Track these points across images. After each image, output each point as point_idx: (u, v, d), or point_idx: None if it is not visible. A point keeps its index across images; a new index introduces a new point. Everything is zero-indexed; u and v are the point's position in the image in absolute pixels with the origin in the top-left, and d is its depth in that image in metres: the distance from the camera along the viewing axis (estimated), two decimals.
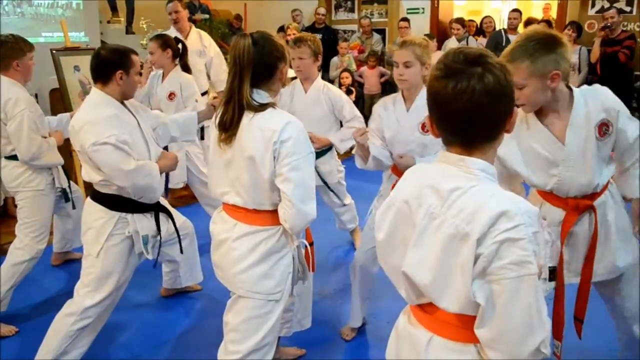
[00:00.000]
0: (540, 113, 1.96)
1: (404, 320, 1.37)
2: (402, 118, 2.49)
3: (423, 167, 1.32)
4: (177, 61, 3.87)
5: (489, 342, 1.16)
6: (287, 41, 4.37)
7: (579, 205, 1.98)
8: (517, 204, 1.13)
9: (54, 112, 5.09)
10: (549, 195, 2.03)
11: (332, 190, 3.50)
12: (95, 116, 2.31)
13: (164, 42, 3.78)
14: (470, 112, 1.16)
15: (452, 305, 1.19)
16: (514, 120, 1.21)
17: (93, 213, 2.42)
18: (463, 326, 1.21)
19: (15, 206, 3.07)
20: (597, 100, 1.93)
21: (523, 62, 1.81)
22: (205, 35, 4.91)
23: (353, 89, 6.92)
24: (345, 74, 7.05)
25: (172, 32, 4.50)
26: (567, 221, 2.01)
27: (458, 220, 1.15)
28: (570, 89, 1.94)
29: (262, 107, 1.83)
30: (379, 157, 2.50)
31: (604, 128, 1.92)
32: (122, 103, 2.45)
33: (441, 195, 1.19)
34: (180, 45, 3.87)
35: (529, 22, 8.22)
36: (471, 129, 1.19)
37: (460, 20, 7.27)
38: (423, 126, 2.41)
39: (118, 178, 2.30)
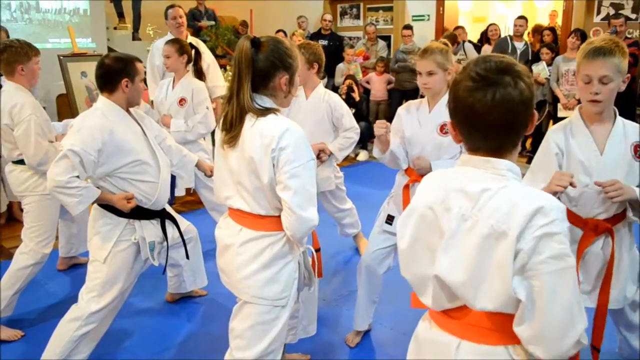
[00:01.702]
0: (586, 118, 1.99)
1: (425, 327, 1.35)
2: (424, 119, 2.52)
3: (444, 172, 1.31)
4: (189, 67, 3.89)
5: (531, 338, 1.15)
6: None
7: (599, 226, 1.99)
8: (550, 200, 1.16)
9: (61, 117, 5.13)
10: (570, 214, 2.02)
11: None
12: (82, 123, 2.33)
13: (181, 47, 3.80)
14: (509, 120, 1.18)
15: (490, 304, 1.18)
16: (534, 122, 1.23)
17: (100, 219, 2.43)
18: (493, 328, 1.21)
19: (21, 210, 3.08)
20: (633, 125, 2.00)
21: (616, 57, 1.87)
22: (201, 42, 4.96)
23: (355, 88, 6.91)
24: (349, 80, 7.05)
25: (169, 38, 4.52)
26: (583, 241, 2.01)
27: (493, 220, 1.15)
28: None
29: (264, 111, 1.81)
30: (396, 154, 2.53)
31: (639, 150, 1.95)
32: (128, 111, 2.47)
33: (471, 197, 1.19)
34: (193, 51, 3.90)
35: (536, 29, 8.22)
36: (505, 136, 1.21)
37: (450, 37, 7.20)
38: (442, 128, 2.44)
39: (48, 181, 2.27)
